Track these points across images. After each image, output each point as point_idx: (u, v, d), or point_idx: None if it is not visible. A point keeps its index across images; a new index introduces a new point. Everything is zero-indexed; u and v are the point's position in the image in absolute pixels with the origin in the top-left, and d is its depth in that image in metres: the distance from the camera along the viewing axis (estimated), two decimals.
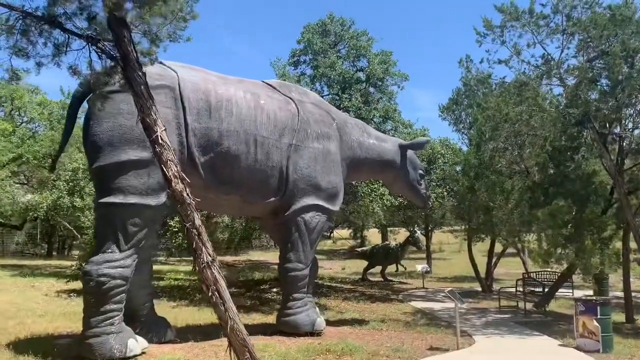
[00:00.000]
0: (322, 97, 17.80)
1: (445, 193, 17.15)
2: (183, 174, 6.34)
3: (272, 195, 9.99)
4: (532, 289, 15.16)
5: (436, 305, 16.68)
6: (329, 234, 63.76)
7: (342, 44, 19.68)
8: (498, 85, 15.43)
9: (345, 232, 51.52)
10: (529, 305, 15.10)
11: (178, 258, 26.18)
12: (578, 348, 9.89)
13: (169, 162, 6.25)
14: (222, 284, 6.24)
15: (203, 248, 6.16)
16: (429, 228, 30.49)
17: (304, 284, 10.19)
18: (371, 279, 25.45)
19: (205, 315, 12.29)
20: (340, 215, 31.67)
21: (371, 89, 19.34)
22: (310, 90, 16.76)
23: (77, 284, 15.72)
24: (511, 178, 13.94)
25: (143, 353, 8.20)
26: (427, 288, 22.41)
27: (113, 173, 8.07)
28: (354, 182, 15.24)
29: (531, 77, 13.64)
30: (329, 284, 21.93)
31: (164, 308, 13.36)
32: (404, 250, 25.62)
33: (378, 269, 25.73)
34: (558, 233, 11.69)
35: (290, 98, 10.52)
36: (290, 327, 10.04)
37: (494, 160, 14.36)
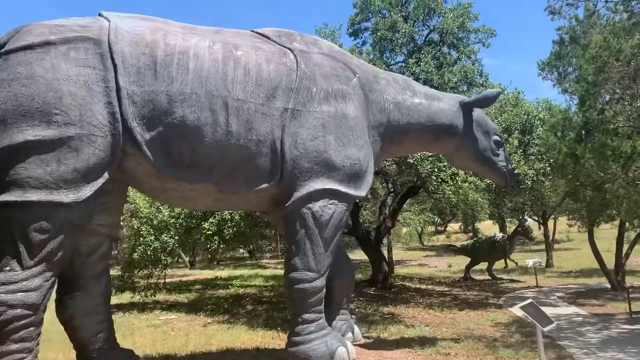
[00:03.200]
0: (387, 68, 14.74)
1: (548, 168, 13.23)
2: None
3: (264, 181, 7.23)
4: None
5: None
6: (444, 227, 59.52)
7: (408, 1, 16.37)
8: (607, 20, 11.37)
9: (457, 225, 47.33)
10: None
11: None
12: None
13: None
14: None
15: None
16: (546, 215, 25.83)
17: (317, 300, 7.27)
18: (477, 277, 21.72)
19: (224, 337, 9.87)
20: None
21: (446, 50, 15.86)
22: (374, 62, 13.79)
23: (119, 299, 14.09)
24: (631, 138, 9.91)
25: None
26: (541, 287, 18.31)
27: (6, 162, 5.85)
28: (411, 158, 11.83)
29: None
30: (418, 286, 18.64)
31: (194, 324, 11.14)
32: (512, 243, 21.56)
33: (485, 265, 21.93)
34: None
35: (289, 49, 7.72)
36: (299, 359, 7.20)
37: (604, 115, 10.41)
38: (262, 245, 42.91)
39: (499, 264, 23.46)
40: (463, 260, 26.18)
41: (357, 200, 15.61)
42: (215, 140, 6.67)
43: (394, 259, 34.91)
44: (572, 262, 25.92)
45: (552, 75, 14.52)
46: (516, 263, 22.40)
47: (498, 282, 20.39)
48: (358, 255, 27.55)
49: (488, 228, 41.23)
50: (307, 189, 7.26)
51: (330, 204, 7.35)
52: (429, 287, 18.47)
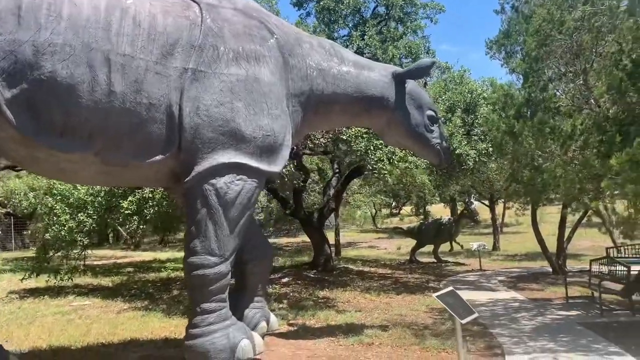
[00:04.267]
0: (333, 39, 13.80)
1: (491, 148, 12.65)
2: None
3: (158, 152, 6.26)
4: (617, 269, 10.35)
5: (483, 296, 12.35)
6: (398, 210, 59.36)
7: None
8: None
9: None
10: (612, 296, 10.48)
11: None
12: None
13: None
14: None
15: None
16: (494, 198, 25.61)
17: (219, 287, 6.36)
18: (423, 260, 21.27)
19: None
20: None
21: (392, 24, 15.04)
22: (319, 35, 12.83)
23: (36, 282, 12.91)
24: (572, 117, 9.32)
25: None
26: (484, 270, 17.93)
27: None
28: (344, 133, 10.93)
29: None
30: (361, 268, 17.98)
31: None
32: (458, 226, 21.16)
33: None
34: None
35: (194, 1, 6.71)
36: (195, 354, 6.32)
37: (546, 93, 9.80)
38: None
39: (445, 247, 23.11)
40: (412, 243, 25.77)
41: (297, 183, 14.78)
42: (94, 101, 5.64)
43: (346, 241, 34.43)
44: (519, 246, 25.84)
45: (500, 54, 13.87)
46: (461, 246, 22.04)
47: (443, 264, 19.98)
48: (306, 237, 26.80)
49: (439, 211, 41.12)
50: (211, 162, 6.32)
51: (238, 180, 6.43)
52: (372, 269, 17.86)
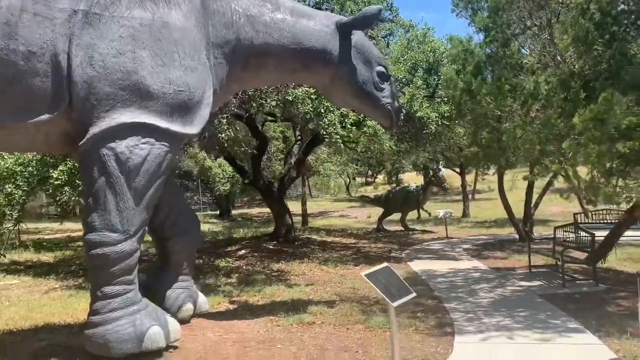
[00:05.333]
0: None
1: (454, 111, 11.79)
2: None
3: (43, 110, 5.26)
4: (582, 235, 9.64)
5: (444, 266, 11.65)
6: (373, 178, 58.69)
7: None
8: None
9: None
10: (574, 264, 9.84)
11: None
12: None
13: None
14: None
15: None
16: (463, 165, 24.94)
17: (124, 268, 5.43)
18: (391, 228, 20.62)
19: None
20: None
21: None
22: None
23: None
24: (534, 74, 8.48)
25: None
26: (451, 238, 17.32)
27: None
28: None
29: None
30: (324, 238, 17.22)
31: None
32: (426, 193, 20.45)
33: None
34: (609, 150, 6.37)
35: None
36: (95, 345, 5.44)
37: (508, 48, 8.92)
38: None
39: (414, 215, 22.48)
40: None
41: (248, 150, 13.79)
42: None
43: (318, 210, 33.70)
44: (489, 212, 25.33)
45: (466, 12, 12.87)
46: (429, 214, 21.40)
47: (410, 233, 19.34)
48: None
49: (412, 179, 40.51)
50: (109, 122, 5.33)
51: (143, 144, 5.45)
52: (335, 239, 17.10)
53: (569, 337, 5.97)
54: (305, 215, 22.78)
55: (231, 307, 8.32)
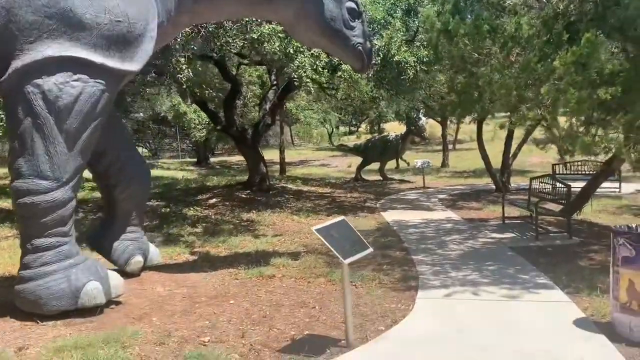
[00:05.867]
0: None
1: (434, 56, 11.16)
2: None
3: None
4: (558, 186, 9.31)
5: (417, 216, 11.33)
6: (356, 127, 57.99)
7: None
8: None
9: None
10: (549, 216, 9.57)
11: None
12: (614, 331, 4.49)
13: None
14: None
15: None
16: (445, 114, 24.40)
17: (57, 219, 4.93)
18: (370, 178, 20.26)
19: None
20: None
21: None
22: None
23: None
24: (516, 14, 7.89)
25: None
26: (427, 187, 17.04)
27: None
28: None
29: None
30: (300, 188, 16.80)
31: None
32: (405, 143, 20.03)
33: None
34: (590, 97, 5.91)
35: None
36: (25, 302, 5.02)
37: None
38: (163, 144, 40.01)
39: (392, 164, 22.12)
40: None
41: (211, 93, 13.07)
42: None
43: (299, 159, 33.24)
44: (469, 163, 25.03)
45: None
46: (408, 163, 21.05)
47: (388, 182, 19.01)
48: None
49: (394, 128, 39.99)
50: (34, 56, 4.73)
51: (75, 81, 4.87)
52: (311, 189, 16.71)
53: (536, 293, 5.67)
54: (283, 163, 22.29)
55: (190, 258, 7.93)
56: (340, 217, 4.73)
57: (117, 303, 5.35)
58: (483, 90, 7.35)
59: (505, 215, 10.29)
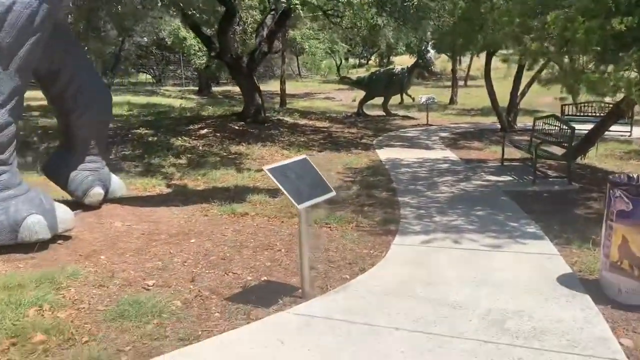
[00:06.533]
0: None
1: None
2: None
3: None
4: (563, 128, 8.66)
5: (413, 154, 10.77)
6: (366, 59, 56.24)
7: None
8: None
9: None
10: (550, 160, 9.00)
11: None
12: (601, 291, 4.04)
13: None
14: None
15: None
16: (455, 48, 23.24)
17: None
18: (371, 113, 19.54)
19: None
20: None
21: None
22: None
23: None
24: None
25: None
26: (430, 125, 16.36)
27: None
28: None
29: None
30: (297, 121, 16.19)
31: None
32: (411, 76, 19.11)
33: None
34: (602, 27, 5.20)
35: None
36: None
37: None
38: (167, 71, 39.05)
39: (396, 99, 21.31)
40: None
41: (226, 19, 12.22)
42: None
43: (304, 92, 32.29)
44: (477, 100, 24.06)
45: None
46: (413, 99, 20.21)
47: (390, 118, 18.31)
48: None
49: (405, 62, 38.64)
50: None
51: None
52: (309, 122, 16.10)
53: (523, 243, 5.21)
54: (283, 95, 21.53)
55: (165, 191, 7.54)
56: (302, 156, 4.20)
57: (67, 238, 4.97)
58: (485, 16, 6.60)
59: (506, 157, 9.72)
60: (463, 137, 13.49)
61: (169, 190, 7.58)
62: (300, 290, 4.02)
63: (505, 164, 9.54)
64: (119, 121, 14.62)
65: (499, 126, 14.74)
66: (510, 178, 8.46)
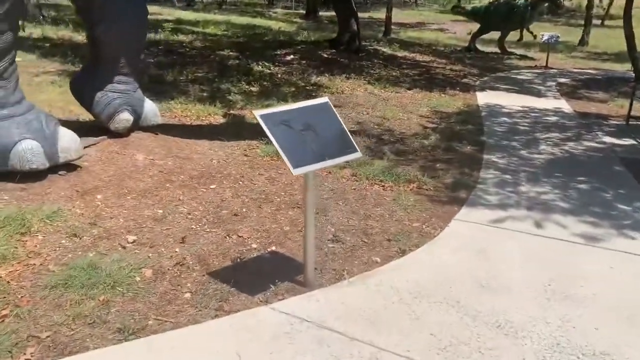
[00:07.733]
0: None
1: None
2: None
3: None
4: None
5: (517, 102, 9.06)
6: None
7: None
8: None
9: None
10: None
11: None
12: None
13: None
14: None
15: None
16: None
17: None
18: (485, 49, 17.45)
19: None
20: None
21: None
22: None
23: None
24: None
25: None
26: (550, 68, 14.12)
27: None
28: None
29: None
30: (396, 53, 14.64)
31: None
32: (534, 10, 16.58)
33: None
34: None
35: None
36: None
37: None
38: None
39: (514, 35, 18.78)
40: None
41: None
42: None
43: (417, 21, 29.94)
44: (613, 42, 20.72)
45: None
46: (535, 36, 17.59)
47: (505, 57, 16.17)
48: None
49: None
50: None
51: None
52: (409, 55, 14.54)
53: (632, 238, 3.84)
54: (389, 23, 19.80)
55: (218, 121, 6.78)
56: (323, 99, 3.10)
57: (73, 169, 4.35)
58: None
59: (633, 114, 7.84)
60: (585, 86, 11.36)
61: (223, 120, 6.82)
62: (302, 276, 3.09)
63: (631, 122, 7.69)
64: (209, 41, 14.08)
65: (633, 75, 12.30)
66: (634, 142, 6.73)
